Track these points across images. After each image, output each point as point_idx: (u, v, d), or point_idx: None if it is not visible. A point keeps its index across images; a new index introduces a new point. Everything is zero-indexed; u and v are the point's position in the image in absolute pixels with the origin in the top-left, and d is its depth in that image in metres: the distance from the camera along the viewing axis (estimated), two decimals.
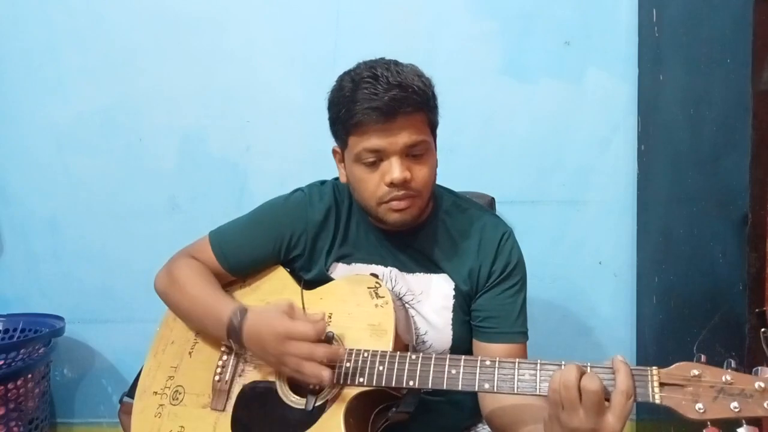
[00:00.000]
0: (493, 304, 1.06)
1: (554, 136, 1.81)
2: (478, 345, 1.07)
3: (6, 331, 1.85)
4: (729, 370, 0.73)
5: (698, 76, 1.39)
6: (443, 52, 1.79)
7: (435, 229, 1.09)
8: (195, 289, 1.07)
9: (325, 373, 0.90)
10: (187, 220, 1.88)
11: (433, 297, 1.07)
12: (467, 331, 1.09)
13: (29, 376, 1.71)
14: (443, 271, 1.08)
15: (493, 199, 1.52)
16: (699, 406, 0.72)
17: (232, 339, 1.00)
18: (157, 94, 1.85)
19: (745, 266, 1.15)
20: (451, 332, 1.07)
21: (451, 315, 1.07)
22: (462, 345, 1.09)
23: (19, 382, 1.68)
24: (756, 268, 1.14)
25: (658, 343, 1.67)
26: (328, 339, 0.97)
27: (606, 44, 1.78)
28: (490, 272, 1.06)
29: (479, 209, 1.14)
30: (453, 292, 1.07)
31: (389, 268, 1.09)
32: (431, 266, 1.09)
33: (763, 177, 1.13)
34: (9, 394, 1.67)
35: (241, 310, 0.99)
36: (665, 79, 1.59)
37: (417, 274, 1.09)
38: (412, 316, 1.08)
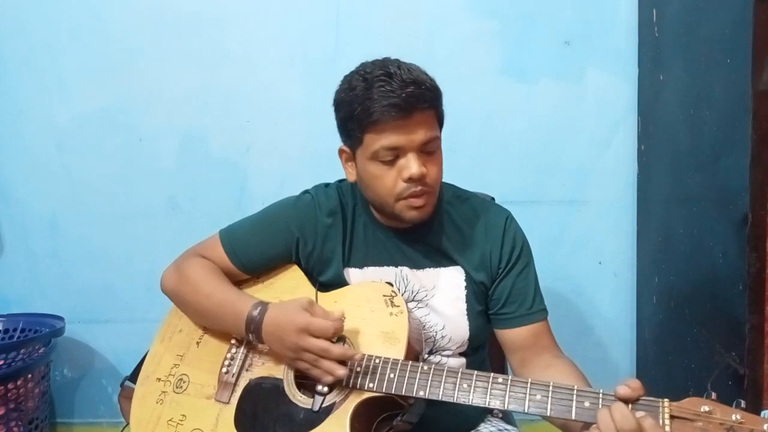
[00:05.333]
0: (508, 291, 1.07)
1: (554, 136, 1.81)
2: (502, 334, 1.09)
3: (6, 331, 1.85)
4: (739, 410, 0.74)
5: (698, 76, 1.38)
6: (443, 52, 1.79)
7: (441, 221, 1.10)
8: (209, 287, 1.08)
9: (340, 372, 0.92)
10: (187, 220, 1.88)
11: (445, 289, 1.08)
12: (484, 322, 1.10)
13: (29, 376, 1.71)
14: (453, 262, 1.09)
15: (493, 199, 1.52)
16: None
17: (251, 332, 1.00)
18: (157, 94, 1.85)
19: (745, 266, 1.15)
20: (467, 322, 1.08)
21: (465, 305, 1.08)
22: (479, 335, 1.11)
23: (19, 382, 1.68)
24: (756, 268, 1.14)
25: (658, 343, 1.67)
26: (340, 341, 0.98)
27: (606, 44, 1.78)
28: (501, 256, 1.08)
29: (478, 198, 1.16)
30: (464, 282, 1.08)
31: (400, 267, 1.09)
32: (441, 259, 1.09)
33: (763, 177, 1.13)
34: (9, 394, 1.67)
35: (262, 304, 1.01)
36: (665, 79, 1.59)
37: (427, 269, 1.09)
38: (427, 315, 1.08)
